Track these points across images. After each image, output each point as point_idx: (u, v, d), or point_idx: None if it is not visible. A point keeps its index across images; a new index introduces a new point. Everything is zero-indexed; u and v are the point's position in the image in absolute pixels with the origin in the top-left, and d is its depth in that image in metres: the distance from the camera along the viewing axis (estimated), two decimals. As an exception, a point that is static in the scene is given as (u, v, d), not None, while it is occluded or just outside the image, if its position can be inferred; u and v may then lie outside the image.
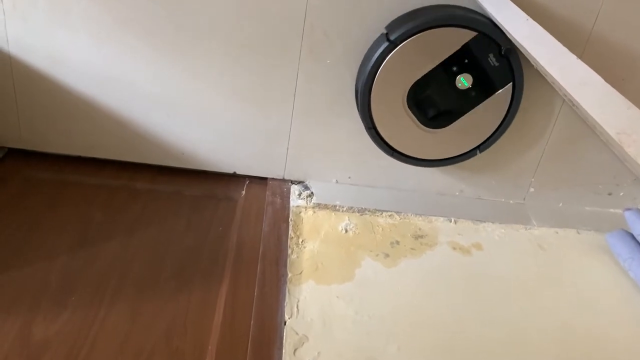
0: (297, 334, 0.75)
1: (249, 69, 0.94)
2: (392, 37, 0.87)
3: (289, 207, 0.99)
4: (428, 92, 0.92)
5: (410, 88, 0.91)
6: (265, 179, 1.06)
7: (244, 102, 0.97)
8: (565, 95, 0.61)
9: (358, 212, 1.00)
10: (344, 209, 1.00)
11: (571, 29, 0.92)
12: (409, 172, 1.05)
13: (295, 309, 0.78)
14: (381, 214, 1.01)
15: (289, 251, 0.89)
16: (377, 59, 0.88)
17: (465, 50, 0.88)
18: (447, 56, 0.89)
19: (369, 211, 1.01)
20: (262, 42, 0.92)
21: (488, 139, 0.98)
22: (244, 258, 0.87)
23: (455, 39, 0.88)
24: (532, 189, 1.08)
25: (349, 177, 1.06)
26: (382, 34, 0.90)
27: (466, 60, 0.89)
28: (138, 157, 1.03)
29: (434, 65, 0.89)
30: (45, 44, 0.91)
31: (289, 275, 0.84)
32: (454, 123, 0.95)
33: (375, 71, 0.89)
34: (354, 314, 0.79)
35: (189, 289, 0.80)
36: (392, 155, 0.98)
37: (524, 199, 1.09)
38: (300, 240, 0.92)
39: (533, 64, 0.69)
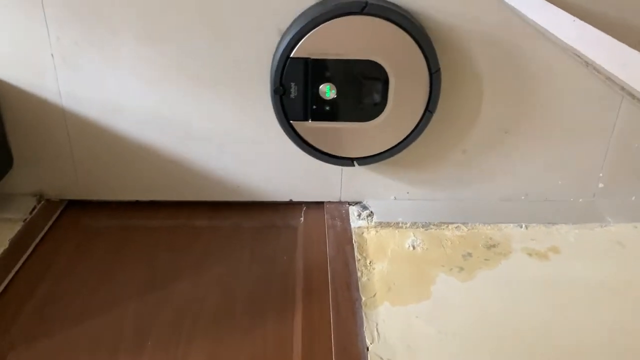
0: (381, 359, 0.71)
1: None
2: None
3: (350, 229, 0.96)
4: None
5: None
6: (321, 203, 1.04)
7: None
8: (624, 91, 0.57)
9: (422, 227, 0.97)
10: (407, 225, 0.97)
11: (622, 30, 0.88)
12: (467, 180, 1.01)
13: (376, 333, 0.75)
14: (447, 226, 0.97)
15: (359, 274, 0.86)
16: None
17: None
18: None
19: (433, 225, 0.97)
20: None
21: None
22: (313, 285, 0.85)
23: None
24: (601, 185, 1.03)
25: (407, 193, 1.03)
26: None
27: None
28: (194, 196, 1.02)
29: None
30: (97, 93, 0.92)
31: (363, 299, 0.81)
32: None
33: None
34: (436, 333, 0.76)
35: (263, 322, 0.78)
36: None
37: (594, 195, 1.04)
38: (368, 261, 0.89)
39: (583, 64, 0.66)
